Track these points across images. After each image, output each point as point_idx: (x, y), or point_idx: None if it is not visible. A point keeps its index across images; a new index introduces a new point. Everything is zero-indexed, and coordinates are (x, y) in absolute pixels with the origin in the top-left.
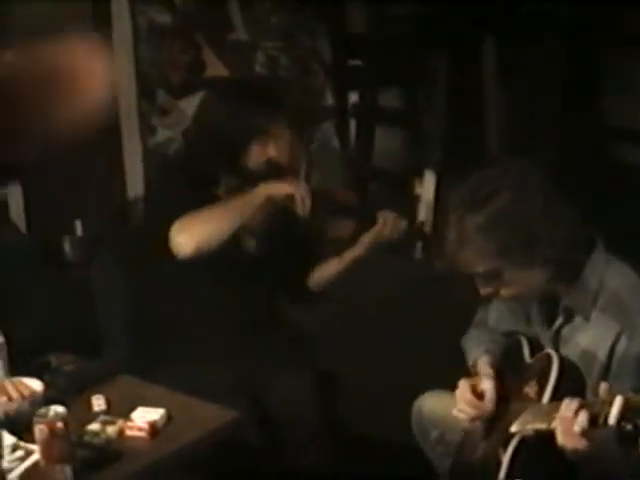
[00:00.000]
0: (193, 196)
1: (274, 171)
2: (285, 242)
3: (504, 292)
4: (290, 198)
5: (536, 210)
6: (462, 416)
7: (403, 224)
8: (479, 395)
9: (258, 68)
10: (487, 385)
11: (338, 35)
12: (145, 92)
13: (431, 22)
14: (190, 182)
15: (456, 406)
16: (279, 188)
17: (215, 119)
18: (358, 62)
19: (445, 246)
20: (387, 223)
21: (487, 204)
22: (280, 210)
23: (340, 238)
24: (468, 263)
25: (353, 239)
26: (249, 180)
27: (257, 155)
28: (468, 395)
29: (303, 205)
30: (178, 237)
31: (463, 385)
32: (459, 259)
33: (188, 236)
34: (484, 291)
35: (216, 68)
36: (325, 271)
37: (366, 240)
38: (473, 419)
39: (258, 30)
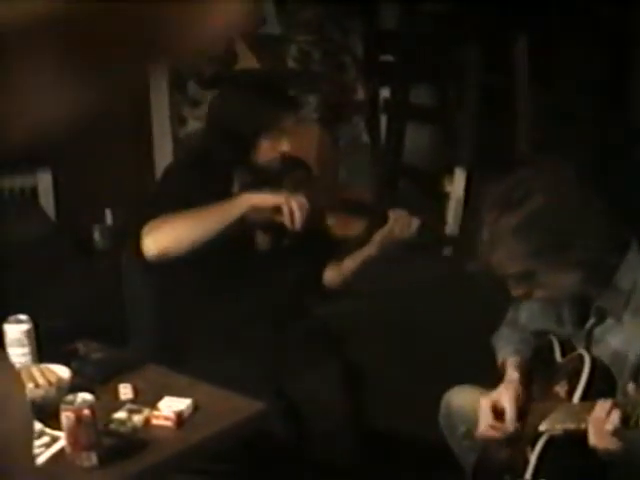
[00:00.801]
0: (207, 190)
1: (289, 167)
2: (300, 238)
3: (536, 293)
4: (277, 210)
5: (570, 212)
6: (485, 438)
7: (415, 222)
8: (500, 412)
9: (290, 62)
10: (507, 403)
11: (370, 30)
12: (176, 83)
13: (463, 19)
14: (206, 176)
15: (479, 427)
16: (264, 199)
17: (225, 113)
18: (390, 58)
19: (478, 247)
20: (398, 221)
21: (522, 206)
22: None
23: (352, 236)
24: (501, 264)
25: (366, 238)
26: (262, 176)
27: (268, 149)
28: (489, 417)
29: (292, 219)
30: (145, 238)
31: (484, 404)
32: (492, 260)
33: (154, 239)
34: (516, 292)
35: (248, 61)
36: (338, 270)
37: (377, 239)
38: (495, 440)
39: (290, 24)
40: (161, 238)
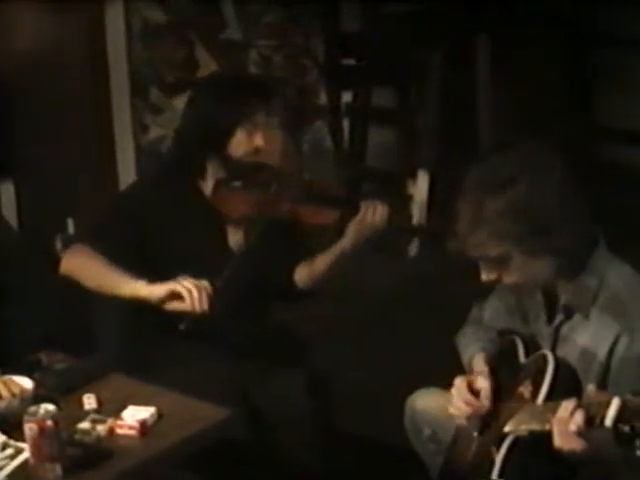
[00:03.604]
0: (173, 190)
1: (261, 164)
2: (273, 236)
3: (507, 279)
4: (174, 296)
5: (553, 199)
6: (458, 414)
7: (386, 211)
8: (475, 393)
9: (251, 67)
10: (483, 383)
11: (331, 34)
12: (138, 90)
13: (424, 20)
14: (173, 176)
15: (452, 404)
16: (152, 292)
17: (201, 107)
18: (351, 61)
19: (459, 226)
20: (370, 211)
21: (508, 189)
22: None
23: (324, 227)
24: (480, 246)
25: (338, 234)
26: (236, 171)
27: (243, 145)
28: (465, 392)
29: (192, 301)
30: (65, 256)
31: (460, 383)
32: (472, 241)
33: (66, 261)
34: (487, 277)
35: (209, 67)
36: (312, 268)
37: (351, 231)
38: (469, 417)
39: (251, 29)
40: (69, 266)
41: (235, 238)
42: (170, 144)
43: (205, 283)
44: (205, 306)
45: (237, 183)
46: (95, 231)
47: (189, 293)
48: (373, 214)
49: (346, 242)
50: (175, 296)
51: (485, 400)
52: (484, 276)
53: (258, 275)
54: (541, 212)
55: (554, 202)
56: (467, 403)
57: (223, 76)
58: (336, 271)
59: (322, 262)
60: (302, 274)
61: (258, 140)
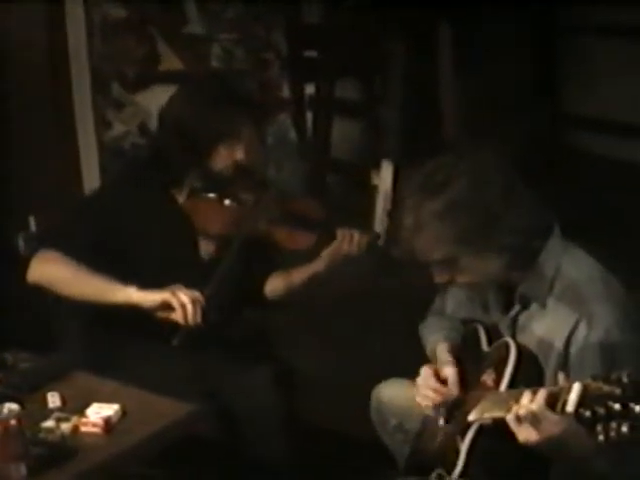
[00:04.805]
0: (145, 196)
1: (240, 175)
2: (245, 248)
3: (460, 279)
4: (166, 306)
5: (493, 196)
6: (426, 402)
7: (363, 239)
8: (442, 381)
9: (213, 61)
10: (449, 371)
11: (293, 26)
12: (100, 86)
13: (386, 10)
14: (146, 181)
15: (418, 393)
16: (145, 298)
17: (184, 118)
18: (314, 53)
19: (402, 232)
20: (346, 239)
21: (443, 190)
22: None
23: (300, 250)
24: (424, 250)
25: (315, 252)
26: (213, 183)
27: (224, 158)
28: (431, 380)
29: (184, 314)
30: (32, 263)
31: (426, 371)
32: (415, 246)
33: (33, 269)
34: (439, 279)
35: (171, 61)
36: (289, 281)
37: (326, 256)
38: (436, 405)
39: (213, 23)
40: (39, 273)
41: (207, 248)
42: (133, 139)
43: (198, 295)
44: (199, 320)
45: (212, 195)
46: (64, 236)
47: (182, 308)
48: (349, 243)
49: (320, 266)
50: (168, 305)
51: (453, 387)
52: (437, 278)
53: (233, 285)
54: (482, 212)
55: (494, 200)
56: (435, 391)
57: (206, 86)
58: (311, 287)
59: (298, 278)
60: (278, 285)
61: (239, 154)
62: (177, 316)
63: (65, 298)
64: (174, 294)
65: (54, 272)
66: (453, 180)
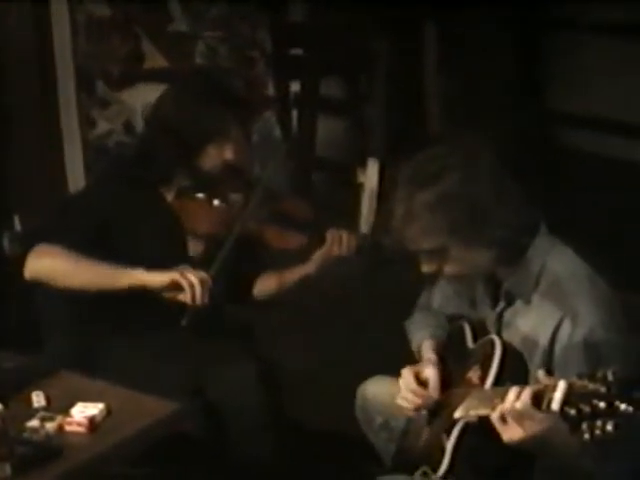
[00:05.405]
0: (134, 194)
1: (229, 175)
2: (234, 248)
3: (447, 270)
4: (174, 286)
5: (484, 192)
6: (406, 405)
7: (352, 241)
8: (423, 383)
9: (198, 59)
10: (430, 373)
11: (278, 24)
12: (84, 84)
13: (371, 9)
14: (134, 180)
15: (399, 395)
16: (154, 279)
17: (173, 117)
18: (299, 51)
19: (393, 222)
20: (336, 242)
21: (436, 182)
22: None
23: (289, 251)
24: (414, 240)
25: (306, 254)
26: (202, 182)
27: (213, 157)
28: (412, 384)
29: (193, 294)
30: (28, 259)
31: (407, 373)
32: (406, 235)
33: (31, 265)
34: (427, 268)
35: (155, 59)
36: (274, 283)
37: (316, 258)
38: (417, 408)
39: (197, 20)
40: (37, 268)
41: (195, 247)
42: (118, 138)
43: (205, 276)
44: (206, 300)
45: (201, 195)
46: (51, 235)
47: (191, 287)
48: (339, 245)
49: (312, 267)
50: (175, 286)
51: (433, 391)
52: (424, 268)
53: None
54: (473, 204)
55: (487, 193)
56: (415, 394)
57: (195, 85)
58: (301, 288)
59: (290, 278)
60: (270, 285)
61: (228, 153)
62: (186, 296)
63: (64, 290)
64: (183, 274)
65: (54, 264)
66: (445, 173)
